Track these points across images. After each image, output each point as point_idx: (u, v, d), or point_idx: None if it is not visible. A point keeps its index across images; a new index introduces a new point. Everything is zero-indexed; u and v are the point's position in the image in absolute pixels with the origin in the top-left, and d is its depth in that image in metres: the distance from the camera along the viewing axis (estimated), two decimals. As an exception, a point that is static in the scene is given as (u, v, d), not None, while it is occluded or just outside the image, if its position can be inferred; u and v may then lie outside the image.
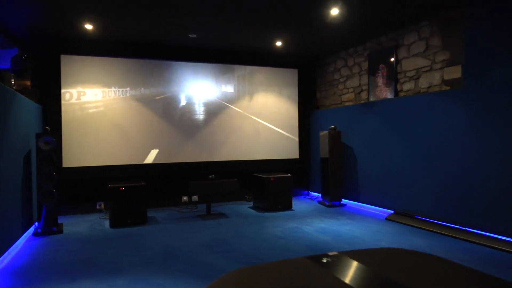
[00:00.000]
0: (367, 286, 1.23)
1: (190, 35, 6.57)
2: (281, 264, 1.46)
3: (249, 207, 7.11)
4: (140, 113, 7.04)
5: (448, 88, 5.39)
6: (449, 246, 4.41)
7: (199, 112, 7.51)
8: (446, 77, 5.46)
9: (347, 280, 1.27)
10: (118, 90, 6.90)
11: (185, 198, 7.33)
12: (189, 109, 7.43)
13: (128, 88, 6.97)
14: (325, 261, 1.44)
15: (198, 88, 7.52)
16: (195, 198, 7.39)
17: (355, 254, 1.52)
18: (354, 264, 1.42)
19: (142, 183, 5.88)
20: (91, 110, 6.71)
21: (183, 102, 7.38)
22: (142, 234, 5.17)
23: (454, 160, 5.00)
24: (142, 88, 7.07)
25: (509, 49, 4.36)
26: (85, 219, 6.18)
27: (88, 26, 5.86)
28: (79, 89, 6.64)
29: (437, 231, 5.02)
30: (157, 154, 7.13)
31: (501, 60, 4.44)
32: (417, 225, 5.34)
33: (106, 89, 6.81)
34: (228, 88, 7.77)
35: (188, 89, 7.43)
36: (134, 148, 6.98)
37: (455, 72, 5.30)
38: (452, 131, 5.05)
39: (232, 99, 7.78)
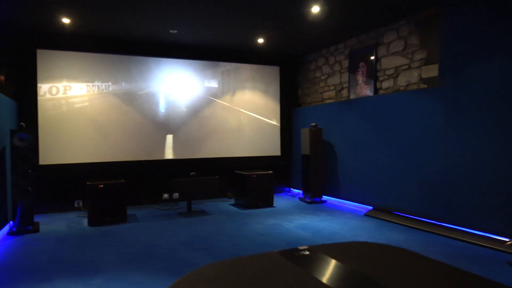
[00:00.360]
0: (334, 279, 1.25)
1: (170, 31, 6.50)
2: (252, 258, 1.47)
3: (230, 204, 7.11)
4: (120, 109, 6.93)
5: (426, 86, 5.50)
6: (425, 241, 4.52)
7: (181, 109, 7.45)
8: (424, 76, 5.57)
9: (316, 273, 1.30)
10: (98, 86, 6.77)
11: (166, 195, 7.27)
12: (170, 106, 7.36)
13: (108, 84, 6.85)
14: (296, 255, 1.46)
15: (180, 85, 7.45)
16: (176, 195, 7.34)
17: (325, 248, 1.55)
18: (324, 257, 1.45)
19: (122, 180, 5.80)
20: (69, 106, 6.57)
21: (164, 99, 7.31)
22: (121, 232, 5.11)
23: (431, 156, 5.12)
24: (123, 84, 6.96)
25: (483, 48, 4.48)
26: (63, 218, 6.06)
27: (66, 20, 5.73)
28: (57, 84, 6.49)
29: (414, 226, 5.14)
30: (138, 151, 7.05)
31: (475, 59, 4.56)
32: (395, 221, 5.45)
33: (85, 85, 6.68)
34: (210, 85, 7.73)
35: (170, 85, 7.35)
36: (114, 145, 6.88)
37: (432, 71, 5.42)
38: (429, 129, 5.16)
39: (214, 96, 7.75)
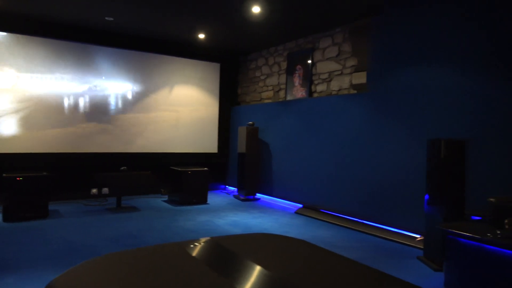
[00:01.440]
0: (224, 268, 1.30)
1: (106, 18, 6.20)
2: (152, 249, 1.48)
3: (163, 200, 6.97)
4: (47, 97, 6.46)
5: (355, 92, 5.84)
6: (348, 237, 4.80)
7: (115, 101, 7.13)
8: (354, 82, 5.91)
9: (207, 262, 1.35)
10: (22, 71, 6.24)
11: (94, 190, 6.90)
12: (104, 96, 7.02)
13: (34, 70, 6.34)
14: (192, 246, 1.49)
15: (116, 75, 7.13)
16: (105, 190, 6.99)
17: (225, 239, 1.60)
18: (221, 248, 1.49)
19: (44, 173, 5.43)
20: (-15, 91, 5.98)
21: (97, 89, 6.95)
22: (42, 229, 4.78)
23: (357, 158, 5.45)
24: (51, 70, 6.49)
25: (403, 59, 4.86)
26: (-26, 213, 5.51)
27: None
28: (-29, 66, 5.88)
29: (339, 223, 5.43)
30: (65, 143, 6.62)
31: (397, 68, 4.93)
32: (323, 218, 5.72)
33: (7, 69, 6.13)
34: (147, 78, 7.49)
35: (103, 75, 7.01)
36: (38, 135, 6.39)
37: (361, 78, 5.76)
38: (356, 132, 5.49)
39: (151, 90, 7.52)
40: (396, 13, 5.01)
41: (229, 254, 1.42)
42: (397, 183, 4.83)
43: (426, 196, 3.96)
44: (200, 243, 1.53)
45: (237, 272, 1.26)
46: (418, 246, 4.30)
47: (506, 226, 3.04)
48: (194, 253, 1.41)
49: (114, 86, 7.12)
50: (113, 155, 7.08)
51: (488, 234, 2.97)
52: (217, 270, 1.23)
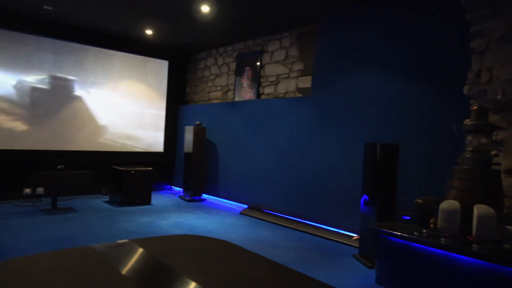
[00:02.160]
0: (133, 270, 1.27)
1: (44, 7, 5.84)
2: (60, 253, 1.42)
3: (104, 201, 6.68)
4: (-27, 89, 5.94)
5: (301, 95, 5.99)
6: (290, 237, 4.91)
7: (53, 95, 6.71)
8: (300, 85, 6.07)
9: (118, 264, 1.32)
10: None
11: (27, 190, 6.47)
12: (42, 90, 6.58)
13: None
14: (108, 248, 1.45)
15: (56, 68, 6.71)
16: (40, 190, 6.59)
17: (143, 241, 1.57)
18: (138, 250, 1.47)
19: (-32, 171, 4.98)
20: None
21: (34, 81, 6.50)
22: (-38, 232, 4.38)
23: (300, 159, 5.59)
24: (-22, 60, 5.98)
25: (344, 66, 5.08)
26: None
27: None
28: None
29: (282, 223, 5.54)
30: (-6, 139, 6.13)
31: (339, 74, 5.14)
32: (267, 219, 5.80)
33: None
34: (91, 72, 7.14)
35: (43, 67, 6.57)
36: (-38, 130, 5.86)
37: (307, 82, 5.93)
38: (301, 135, 5.63)
39: (94, 85, 7.18)
40: (334, 23, 5.23)
41: (144, 256, 1.39)
42: (337, 185, 5.03)
43: (363, 197, 4.16)
44: (118, 245, 1.48)
45: (145, 274, 1.24)
46: (355, 244, 4.51)
47: (431, 225, 3.28)
48: (106, 256, 1.37)
49: (53, 79, 6.71)
50: (48, 153, 6.66)
51: (415, 233, 3.19)
52: (127, 271, 1.21)
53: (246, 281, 1.24)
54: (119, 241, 1.50)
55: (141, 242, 1.54)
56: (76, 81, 6.97)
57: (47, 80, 6.65)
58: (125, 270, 1.25)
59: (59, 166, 5.87)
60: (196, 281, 1.17)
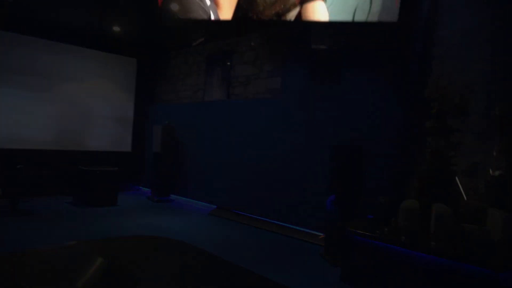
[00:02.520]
0: (81, 273, 1.25)
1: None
2: (17, 254, 1.36)
3: (68, 202, 6.43)
4: None
5: (270, 96, 6.03)
6: (258, 236, 4.94)
7: (10, 90, 6.41)
8: (270, 87, 6.10)
9: (63, 269, 1.28)
10: None
11: (-16, 191, 6.14)
12: (-2, 86, 6.27)
13: None
14: (55, 251, 1.41)
15: (19, 63, 6.41)
16: (-2, 191, 6.27)
17: (94, 243, 1.53)
18: (85, 252, 1.43)
19: None
20: None
21: (-10, 78, 6.19)
22: None
23: (268, 160, 5.63)
24: None
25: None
26: None
27: None
28: None
29: (250, 224, 5.55)
30: None
31: (306, 77, 5.23)
32: (235, 219, 5.80)
33: None
34: (53, 68, 6.87)
35: (5, 62, 6.26)
36: None
37: (275, 83, 5.97)
38: (269, 135, 5.67)
39: (59, 81, 6.92)
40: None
41: (92, 258, 1.35)
42: (304, 185, 5.10)
43: (329, 198, 4.24)
44: (69, 248, 1.44)
45: (90, 278, 1.21)
46: (321, 243, 4.59)
47: (393, 224, 3.40)
48: (63, 258, 1.33)
49: (16, 75, 6.41)
50: (6, 152, 6.34)
51: (377, 231, 3.29)
52: (75, 273, 1.18)
53: (194, 282, 1.24)
54: (69, 243, 1.45)
55: (91, 243, 1.49)
56: (38, 78, 6.70)
57: (5, 77, 6.34)
58: (69, 275, 1.20)
59: (18, 166, 5.61)
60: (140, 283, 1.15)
